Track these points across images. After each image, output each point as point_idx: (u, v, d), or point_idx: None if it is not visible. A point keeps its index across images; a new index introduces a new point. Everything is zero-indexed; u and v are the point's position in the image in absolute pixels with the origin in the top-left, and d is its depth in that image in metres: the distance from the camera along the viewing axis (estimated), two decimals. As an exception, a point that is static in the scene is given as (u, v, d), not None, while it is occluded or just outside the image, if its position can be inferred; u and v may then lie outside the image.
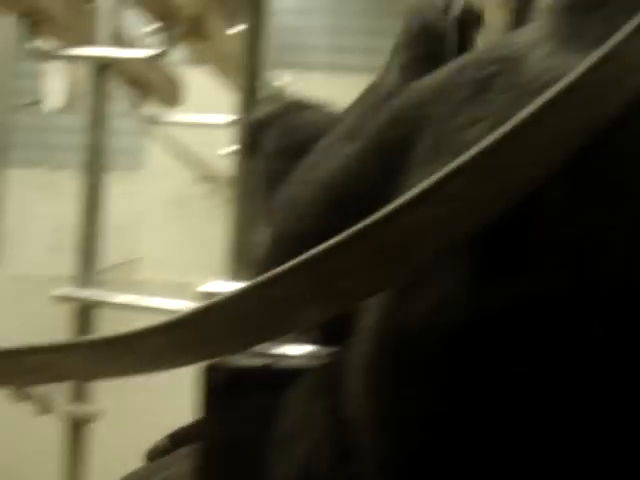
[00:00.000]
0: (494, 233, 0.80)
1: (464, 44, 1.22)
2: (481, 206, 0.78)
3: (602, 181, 0.82)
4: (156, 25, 2.71)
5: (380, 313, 0.88)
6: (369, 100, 1.17)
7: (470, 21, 1.24)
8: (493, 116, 0.85)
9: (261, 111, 1.34)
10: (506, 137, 0.73)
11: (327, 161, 1.05)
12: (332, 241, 0.73)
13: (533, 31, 0.92)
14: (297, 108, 1.30)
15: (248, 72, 1.80)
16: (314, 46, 6.39)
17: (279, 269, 0.75)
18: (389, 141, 0.96)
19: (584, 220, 0.81)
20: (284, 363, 1.08)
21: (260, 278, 0.76)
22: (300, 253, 0.75)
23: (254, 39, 1.81)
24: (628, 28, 0.72)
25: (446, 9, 1.22)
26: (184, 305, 1.95)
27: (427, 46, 1.20)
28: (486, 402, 0.83)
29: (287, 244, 1.04)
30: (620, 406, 0.80)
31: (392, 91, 1.12)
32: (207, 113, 3.48)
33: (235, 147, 1.71)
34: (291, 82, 3.66)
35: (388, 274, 0.80)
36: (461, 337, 0.83)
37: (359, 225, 0.73)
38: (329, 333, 1.01)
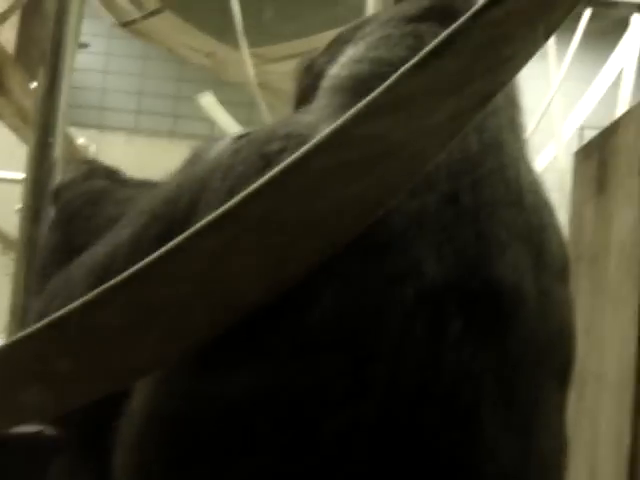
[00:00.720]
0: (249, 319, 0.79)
1: None
2: (238, 287, 0.76)
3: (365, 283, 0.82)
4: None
5: (147, 393, 0.86)
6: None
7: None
8: None
9: (63, 177, 1.31)
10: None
11: (102, 241, 1.00)
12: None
13: (317, 111, 0.93)
14: (94, 176, 1.27)
15: (40, 129, 1.76)
16: (117, 107, 6.35)
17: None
18: (166, 219, 0.93)
19: (344, 320, 0.81)
20: (46, 434, 1.04)
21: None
22: None
23: (48, 96, 1.77)
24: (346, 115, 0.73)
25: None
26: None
27: None
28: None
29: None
30: None
31: None
32: (6, 169, 3.39)
33: (21, 206, 1.67)
34: (92, 142, 3.61)
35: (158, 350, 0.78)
36: (229, 416, 0.82)
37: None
38: (97, 410, 0.98)
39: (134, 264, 0.77)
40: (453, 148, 0.82)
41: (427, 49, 0.70)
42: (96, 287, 0.86)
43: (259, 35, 4.17)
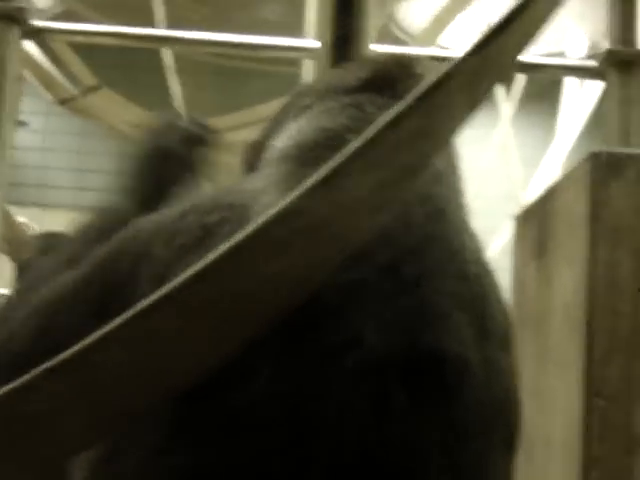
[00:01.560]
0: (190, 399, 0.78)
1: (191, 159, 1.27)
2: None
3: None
4: None
5: (87, 473, 0.85)
6: (94, 227, 1.15)
7: (196, 138, 1.30)
8: None
9: (24, 256, 1.31)
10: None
11: (46, 285, 0.99)
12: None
13: (261, 179, 0.93)
14: (48, 252, 1.26)
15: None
16: (58, 185, 6.33)
17: None
18: (107, 275, 0.92)
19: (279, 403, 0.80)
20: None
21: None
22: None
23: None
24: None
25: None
26: None
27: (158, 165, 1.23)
28: None
29: None
30: None
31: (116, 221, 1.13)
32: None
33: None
34: (33, 220, 3.59)
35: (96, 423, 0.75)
36: None
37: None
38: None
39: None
40: (396, 218, 0.83)
41: (375, 128, 0.71)
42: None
43: (199, 109, 4.19)
